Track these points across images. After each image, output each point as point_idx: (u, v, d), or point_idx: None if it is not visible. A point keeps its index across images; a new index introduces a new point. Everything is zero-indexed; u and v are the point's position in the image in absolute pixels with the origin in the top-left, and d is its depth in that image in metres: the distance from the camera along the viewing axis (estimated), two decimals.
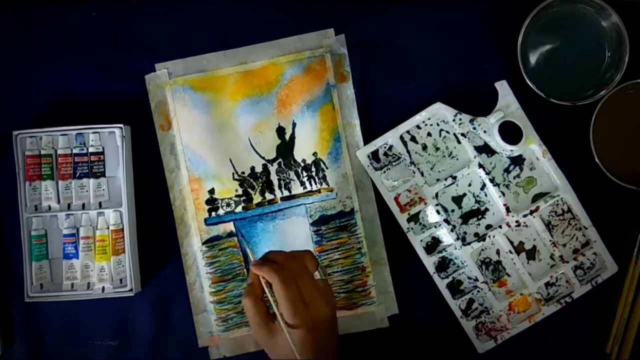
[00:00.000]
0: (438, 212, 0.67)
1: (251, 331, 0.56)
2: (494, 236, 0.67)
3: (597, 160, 0.65)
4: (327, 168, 0.68)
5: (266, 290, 0.56)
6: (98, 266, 0.65)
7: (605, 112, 0.65)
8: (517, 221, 0.67)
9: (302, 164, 0.68)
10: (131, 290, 0.65)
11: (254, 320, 0.55)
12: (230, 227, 0.68)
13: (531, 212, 0.67)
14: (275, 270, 0.54)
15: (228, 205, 0.68)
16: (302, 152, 0.68)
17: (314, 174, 0.68)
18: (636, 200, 0.68)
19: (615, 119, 0.66)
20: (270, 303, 0.55)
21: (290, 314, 0.53)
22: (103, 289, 0.65)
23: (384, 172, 0.68)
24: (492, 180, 0.67)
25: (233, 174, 0.68)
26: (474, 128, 0.67)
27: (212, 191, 0.68)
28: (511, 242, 0.67)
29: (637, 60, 0.65)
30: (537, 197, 0.68)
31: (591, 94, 0.66)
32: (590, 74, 0.67)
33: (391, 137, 0.67)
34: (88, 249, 0.66)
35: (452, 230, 0.67)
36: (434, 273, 0.67)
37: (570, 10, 0.66)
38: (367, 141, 0.68)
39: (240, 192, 0.68)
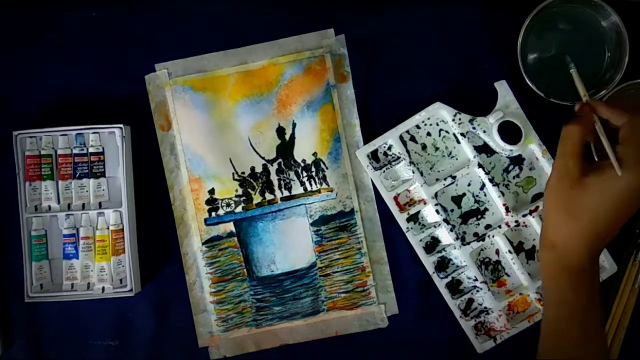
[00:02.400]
0: (437, 211, 0.67)
1: (554, 168, 0.48)
2: (493, 236, 0.67)
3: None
4: (327, 168, 0.68)
5: (599, 129, 0.51)
6: (98, 266, 0.65)
7: None
8: (516, 221, 0.67)
9: (302, 164, 0.68)
10: (131, 290, 0.65)
11: (569, 150, 0.49)
12: (230, 227, 0.68)
13: (531, 212, 0.67)
14: (630, 111, 0.49)
15: (228, 205, 0.68)
16: (302, 152, 0.68)
17: (314, 174, 0.68)
18: None
19: None
20: (603, 141, 0.50)
21: (633, 160, 0.46)
22: (103, 289, 0.65)
23: (384, 171, 0.68)
24: (491, 180, 0.67)
25: (233, 174, 0.68)
26: (474, 128, 0.67)
27: (212, 191, 0.68)
28: (510, 242, 0.67)
29: (637, 61, 0.65)
30: (536, 197, 0.68)
31: (591, 94, 0.65)
32: (590, 74, 0.67)
33: (391, 137, 0.67)
34: (88, 249, 0.66)
35: (451, 230, 0.67)
36: (434, 273, 0.67)
37: (570, 10, 0.66)
38: (367, 141, 0.68)
39: (240, 192, 0.68)
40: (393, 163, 0.68)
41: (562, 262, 0.50)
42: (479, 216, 0.68)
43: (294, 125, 0.68)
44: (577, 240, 0.49)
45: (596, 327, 0.51)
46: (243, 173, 0.68)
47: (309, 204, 0.68)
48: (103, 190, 0.67)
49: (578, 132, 0.50)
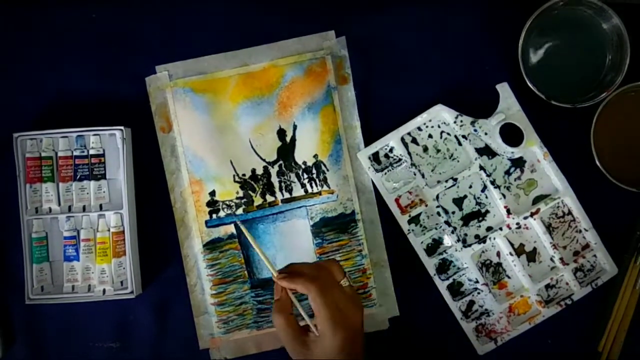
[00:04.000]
0: (439, 213, 0.67)
1: (286, 346, 0.56)
2: (494, 238, 0.67)
3: (597, 162, 0.65)
4: (327, 170, 0.68)
5: (296, 303, 0.56)
6: (99, 268, 0.65)
7: (606, 114, 0.65)
8: (517, 223, 0.67)
9: (303, 166, 0.68)
10: (132, 292, 0.65)
11: (288, 336, 0.55)
12: (231, 229, 0.68)
13: (532, 215, 0.67)
14: (310, 282, 0.54)
15: (229, 207, 0.68)
16: (303, 154, 0.68)
17: (314, 176, 0.68)
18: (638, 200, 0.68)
19: (616, 122, 0.66)
20: (302, 316, 0.56)
21: (331, 324, 0.53)
22: (104, 291, 0.65)
23: (385, 173, 0.68)
24: (492, 182, 0.67)
25: (234, 176, 0.68)
26: (475, 130, 0.67)
27: (212, 193, 0.68)
28: (512, 244, 0.68)
29: (637, 63, 0.65)
30: (537, 200, 0.68)
31: (592, 96, 0.66)
32: (591, 77, 0.67)
33: (392, 139, 0.67)
34: (89, 251, 0.66)
35: (452, 232, 0.67)
36: (435, 275, 0.67)
37: (571, 13, 0.66)
38: (367, 143, 0.68)
39: (241, 194, 0.68)
40: (394, 165, 0.67)
41: None
42: (480, 218, 0.68)
43: (295, 127, 0.68)
44: None
45: None
46: (244, 175, 0.68)
47: (310, 206, 0.68)
48: (104, 192, 0.66)
49: (281, 320, 0.55)
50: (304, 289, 0.55)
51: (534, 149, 0.67)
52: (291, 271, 0.57)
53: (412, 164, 0.67)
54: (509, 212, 0.67)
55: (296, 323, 0.56)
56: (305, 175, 0.68)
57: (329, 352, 0.53)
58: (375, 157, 0.68)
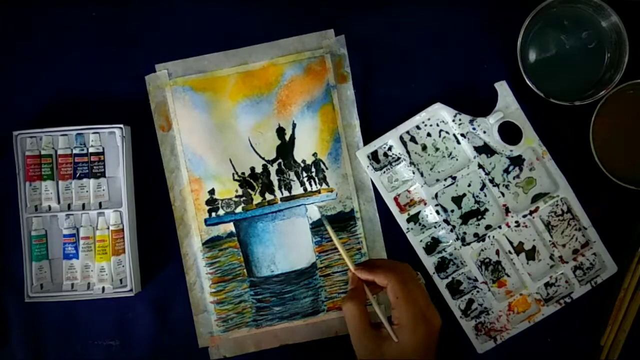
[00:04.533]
0: (438, 212, 0.67)
1: (353, 339, 0.52)
2: (493, 236, 0.67)
3: (597, 160, 0.65)
4: (327, 168, 0.68)
5: (370, 297, 0.54)
6: (98, 266, 0.65)
7: (605, 112, 0.65)
8: (516, 221, 0.67)
9: (302, 165, 0.68)
10: (131, 290, 0.65)
11: (359, 327, 0.52)
12: (230, 227, 0.68)
13: (531, 213, 0.67)
14: (391, 272, 0.52)
15: (228, 205, 0.68)
16: (302, 152, 0.68)
17: (314, 174, 0.68)
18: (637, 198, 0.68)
19: (615, 119, 0.66)
20: (376, 310, 0.53)
21: (412, 317, 0.50)
22: (103, 289, 0.65)
23: (384, 172, 0.68)
24: (491, 181, 0.67)
25: (233, 174, 0.68)
26: (474, 128, 0.67)
27: (212, 191, 0.68)
28: (511, 243, 0.67)
29: (636, 61, 0.65)
30: (536, 198, 0.68)
31: (591, 94, 0.66)
32: (590, 74, 0.67)
33: (391, 138, 0.67)
34: (88, 249, 0.66)
35: (451, 231, 0.67)
36: (434, 273, 0.67)
37: (570, 11, 0.66)
38: (367, 142, 0.68)
39: (240, 192, 0.68)
40: (393, 164, 0.68)
41: None
42: (479, 217, 0.68)
43: (294, 125, 0.68)
44: None
45: None
46: (243, 173, 0.68)
47: (309, 204, 0.68)
48: (103, 190, 0.67)
49: (354, 308, 0.53)
50: (384, 279, 0.52)
51: (532, 147, 0.67)
52: (368, 264, 0.55)
53: (411, 163, 0.67)
54: (507, 210, 0.67)
55: (368, 315, 0.53)
56: (305, 174, 0.69)
57: (406, 348, 0.49)
58: (374, 156, 0.68)
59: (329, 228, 0.58)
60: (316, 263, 0.68)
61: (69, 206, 0.67)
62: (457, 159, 0.68)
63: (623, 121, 0.67)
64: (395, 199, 0.68)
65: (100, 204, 0.66)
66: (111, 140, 0.67)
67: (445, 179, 0.67)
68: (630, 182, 0.65)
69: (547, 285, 0.68)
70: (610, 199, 0.68)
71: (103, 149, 0.67)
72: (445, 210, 0.68)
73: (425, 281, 0.63)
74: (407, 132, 0.68)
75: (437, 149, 0.68)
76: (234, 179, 0.68)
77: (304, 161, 0.69)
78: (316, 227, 0.68)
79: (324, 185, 0.68)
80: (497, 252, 0.68)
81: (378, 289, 0.57)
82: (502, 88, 0.66)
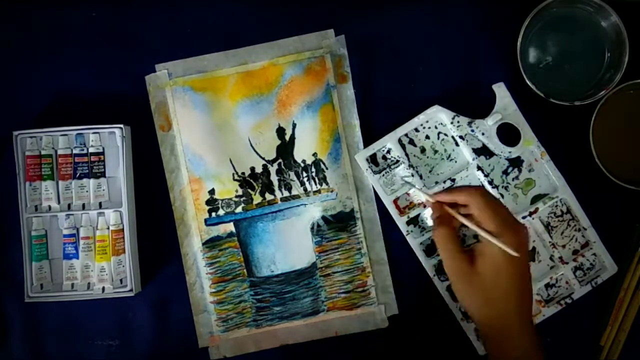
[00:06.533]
0: None
1: (446, 264, 0.54)
2: None
3: (597, 160, 0.65)
4: (327, 168, 0.68)
5: (459, 217, 0.55)
6: (98, 266, 0.65)
7: (605, 112, 0.65)
8: None
9: (302, 165, 0.68)
10: (131, 290, 0.65)
11: (451, 250, 0.53)
12: (230, 227, 0.68)
13: (530, 214, 0.67)
14: (470, 189, 0.53)
15: (228, 205, 0.68)
16: (302, 152, 0.68)
17: (314, 174, 0.69)
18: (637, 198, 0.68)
19: (614, 120, 0.66)
20: (470, 225, 0.54)
21: (499, 226, 0.51)
22: (103, 289, 0.65)
23: (383, 175, 0.68)
24: (490, 182, 0.67)
25: (233, 174, 0.68)
26: (472, 130, 0.67)
27: (212, 191, 0.68)
28: None
29: (636, 61, 0.65)
30: (536, 199, 0.68)
31: (591, 94, 0.66)
32: (589, 75, 0.67)
33: (389, 141, 0.67)
34: (88, 249, 0.66)
35: None
36: (434, 275, 0.67)
37: (570, 11, 0.67)
38: (366, 141, 0.68)
39: (240, 192, 0.68)
40: (392, 166, 0.68)
41: (498, 337, 0.55)
42: None
43: (294, 125, 0.68)
44: (497, 317, 0.54)
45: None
46: (243, 173, 0.68)
47: (309, 204, 0.68)
48: (103, 190, 0.67)
49: (444, 234, 0.55)
50: (467, 197, 0.53)
51: (531, 149, 0.67)
52: (444, 191, 0.56)
53: (410, 165, 0.67)
54: None
55: (458, 238, 0.54)
56: (305, 174, 0.69)
57: (498, 259, 0.50)
58: (372, 159, 0.68)
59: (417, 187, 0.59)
60: (316, 263, 0.68)
61: (69, 206, 0.67)
62: (455, 161, 0.68)
63: (623, 121, 0.67)
64: (395, 201, 0.68)
65: (100, 204, 0.67)
66: (111, 140, 0.67)
67: (444, 181, 0.67)
68: (630, 182, 0.65)
69: (547, 286, 0.68)
70: (609, 199, 0.68)
71: (103, 149, 0.67)
72: None
73: (427, 282, 0.63)
74: (406, 135, 0.68)
75: (435, 152, 0.68)
76: (234, 179, 0.68)
77: (304, 161, 0.69)
78: (316, 227, 0.68)
79: (324, 185, 0.68)
80: None
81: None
82: (500, 90, 0.66)
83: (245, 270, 0.68)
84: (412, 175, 0.67)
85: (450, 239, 0.54)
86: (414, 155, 0.68)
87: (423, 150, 0.68)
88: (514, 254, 0.51)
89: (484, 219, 0.53)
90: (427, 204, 0.57)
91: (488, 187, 0.67)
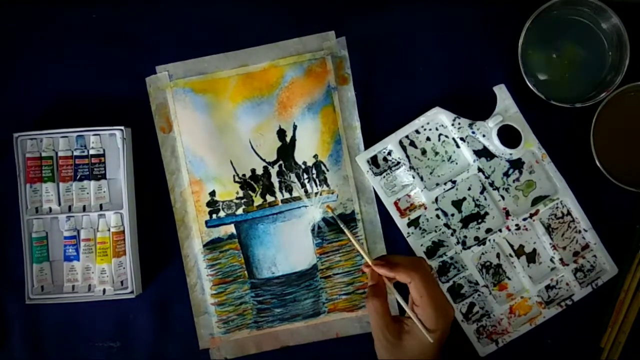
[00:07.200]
0: (438, 216, 0.67)
1: (375, 334, 0.55)
2: (494, 240, 0.67)
3: (597, 162, 0.65)
4: (327, 170, 0.68)
5: (394, 291, 0.56)
6: (99, 268, 0.65)
7: (606, 114, 0.65)
8: (517, 225, 0.67)
9: (303, 166, 0.68)
10: (132, 292, 0.65)
11: (381, 323, 0.54)
12: (231, 229, 0.68)
13: (531, 216, 0.67)
14: (413, 270, 0.53)
15: (229, 207, 0.68)
16: (303, 154, 0.68)
17: (314, 176, 0.68)
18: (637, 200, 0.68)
19: (615, 122, 0.66)
20: (400, 304, 0.55)
21: (434, 313, 0.52)
22: (104, 291, 0.65)
23: (384, 177, 0.68)
24: (491, 184, 0.67)
25: (234, 176, 0.68)
26: (473, 132, 0.67)
27: (213, 193, 0.68)
28: (511, 246, 0.68)
29: (637, 63, 0.65)
30: (536, 201, 0.68)
31: (591, 96, 0.66)
32: (590, 77, 0.67)
33: (390, 143, 0.67)
34: (89, 251, 0.66)
35: (452, 235, 0.67)
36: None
37: (571, 13, 0.67)
38: (367, 143, 0.68)
39: (241, 194, 0.68)
40: (393, 168, 0.67)
41: None
42: (480, 220, 0.68)
43: (295, 127, 0.68)
44: None
45: None
46: (244, 175, 0.68)
47: (310, 206, 0.68)
48: (104, 192, 0.67)
49: (376, 307, 0.55)
50: (406, 277, 0.53)
51: (532, 150, 0.67)
52: (387, 260, 0.56)
53: (411, 167, 0.67)
54: (508, 213, 0.67)
55: (389, 310, 0.55)
56: (305, 176, 0.69)
57: (427, 341, 0.52)
58: (373, 161, 0.68)
59: (343, 226, 0.59)
60: (317, 265, 0.68)
61: (69, 208, 0.67)
62: (456, 163, 0.68)
63: (624, 123, 0.67)
64: (396, 203, 0.68)
65: (101, 205, 0.66)
66: (112, 142, 0.67)
67: (445, 183, 0.67)
68: (631, 184, 0.65)
69: (548, 287, 0.68)
70: (610, 201, 0.68)
71: (104, 150, 0.67)
72: (445, 214, 0.68)
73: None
74: (407, 137, 0.68)
75: (436, 153, 0.68)
76: (235, 181, 0.68)
77: (304, 163, 0.68)
78: (317, 229, 0.68)
79: (324, 187, 0.68)
80: (498, 256, 0.68)
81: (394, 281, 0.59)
82: (501, 91, 0.66)
83: (246, 272, 0.68)
84: (413, 177, 0.67)
85: (381, 311, 0.54)
86: (415, 157, 0.68)
87: (424, 152, 0.68)
88: (430, 340, 0.53)
89: (420, 304, 0.53)
90: (364, 268, 0.58)
91: (488, 189, 0.67)
